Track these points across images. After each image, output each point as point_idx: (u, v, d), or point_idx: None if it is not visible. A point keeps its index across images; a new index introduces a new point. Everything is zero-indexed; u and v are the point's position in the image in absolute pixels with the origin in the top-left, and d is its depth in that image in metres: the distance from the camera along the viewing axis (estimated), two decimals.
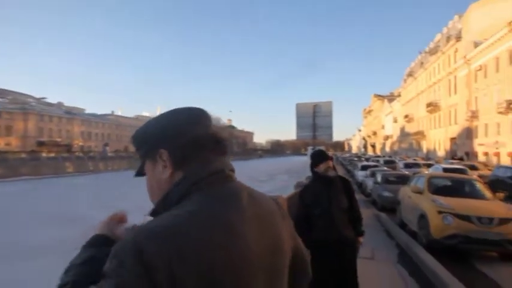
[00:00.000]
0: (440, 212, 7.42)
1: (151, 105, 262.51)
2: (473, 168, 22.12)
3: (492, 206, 7.77)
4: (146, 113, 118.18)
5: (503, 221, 7.10)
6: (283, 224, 0.97)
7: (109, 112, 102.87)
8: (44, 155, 52.10)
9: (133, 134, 0.98)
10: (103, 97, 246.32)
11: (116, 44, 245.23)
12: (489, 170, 22.30)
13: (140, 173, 0.97)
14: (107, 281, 0.72)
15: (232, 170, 0.93)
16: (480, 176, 18.40)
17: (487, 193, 8.58)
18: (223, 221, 0.81)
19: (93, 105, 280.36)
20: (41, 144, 69.06)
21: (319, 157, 3.79)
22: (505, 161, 32.25)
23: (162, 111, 0.98)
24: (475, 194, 8.47)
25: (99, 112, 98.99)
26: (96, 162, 56.10)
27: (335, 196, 3.59)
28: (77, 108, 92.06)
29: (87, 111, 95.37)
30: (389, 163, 28.16)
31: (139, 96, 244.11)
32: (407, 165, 24.19)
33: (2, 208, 17.62)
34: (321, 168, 3.69)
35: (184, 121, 0.92)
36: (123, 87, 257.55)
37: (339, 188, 3.65)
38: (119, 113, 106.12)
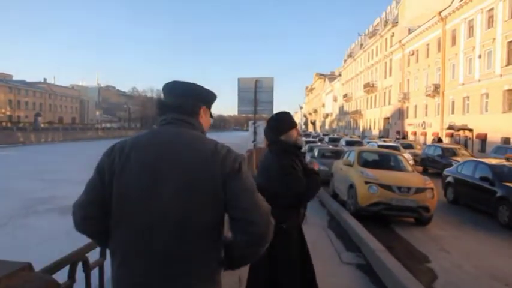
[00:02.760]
0: (366, 182, 8.23)
1: (90, 73, 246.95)
2: (410, 147, 23.12)
3: (411, 177, 8.75)
4: (83, 83, 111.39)
5: (419, 190, 8.08)
6: (210, 157, 1.36)
7: (41, 80, 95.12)
8: None
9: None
10: (34, 64, 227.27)
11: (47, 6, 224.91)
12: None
13: None
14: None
15: (178, 119, 1.46)
16: (414, 155, 19.76)
17: (408, 166, 9.59)
18: (140, 140, 1.42)
19: (23, 72, 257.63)
20: None
21: (289, 121, 2.97)
22: (430, 140, 35.07)
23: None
24: (398, 167, 9.44)
25: (29, 80, 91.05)
26: (27, 133, 52.38)
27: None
28: (3, 74, 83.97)
29: (15, 78, 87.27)
30: (334, 141, 29.95)
31: (76, 64, 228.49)
32: (349, 143, 24.40)
33: None
34: (292, 136, 2.91)
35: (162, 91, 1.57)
36: (57, 54, 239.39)
37: None
38: (52, 82, 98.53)
